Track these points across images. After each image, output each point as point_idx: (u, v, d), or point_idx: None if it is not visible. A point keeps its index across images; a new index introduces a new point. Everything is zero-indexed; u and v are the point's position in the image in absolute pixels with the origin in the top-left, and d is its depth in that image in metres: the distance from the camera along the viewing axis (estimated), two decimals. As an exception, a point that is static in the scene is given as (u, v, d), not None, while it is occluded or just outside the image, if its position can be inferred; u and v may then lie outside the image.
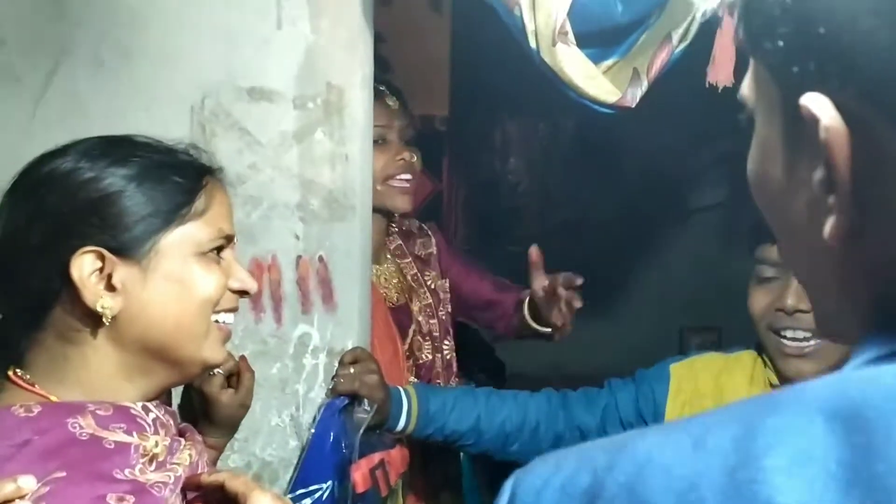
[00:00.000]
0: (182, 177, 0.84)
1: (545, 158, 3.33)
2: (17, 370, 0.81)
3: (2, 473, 0.71)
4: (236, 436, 1.27)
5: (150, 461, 0.79)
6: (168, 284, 0.82)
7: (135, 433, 0.79)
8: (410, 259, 1.71)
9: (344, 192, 1.28)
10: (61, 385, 0.80)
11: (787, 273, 1.21)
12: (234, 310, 0.89)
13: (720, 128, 2.93)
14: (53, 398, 0.79)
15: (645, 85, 1.13)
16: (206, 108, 1.25)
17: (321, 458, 1.21)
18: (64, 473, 0.72)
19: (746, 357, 1.35)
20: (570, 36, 1.07)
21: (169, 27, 1.24)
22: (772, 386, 1.29)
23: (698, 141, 3.09)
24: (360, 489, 1.21)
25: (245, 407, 1.19)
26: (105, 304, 0.78)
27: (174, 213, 0.82)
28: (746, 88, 0.46)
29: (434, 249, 1.76)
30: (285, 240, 1.29)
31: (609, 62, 1.14)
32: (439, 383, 1.69)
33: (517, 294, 1.82)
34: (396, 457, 1.39)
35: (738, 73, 1.21)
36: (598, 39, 1.12)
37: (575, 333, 3.35)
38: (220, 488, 0.83)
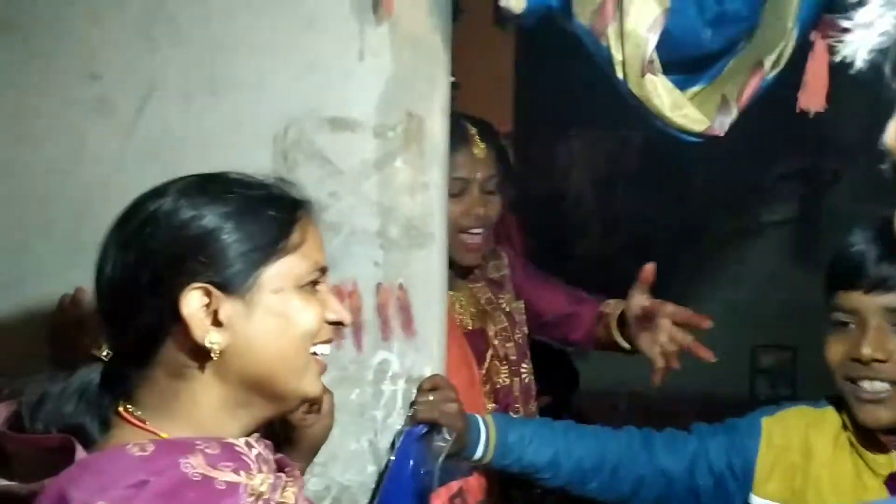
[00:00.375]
0: (277, 210, 0.86)
1: (610, 175, 3.30)
2: (128, 406, 0.83)
3: None
4: (316, 460, 1.29)
5: (257, 499, 0.80)
6: (270, 318, 0.83)
7: (242, 472, 0.80)
8: (484, 283, 1.70)
9: (423, 220, 1.28)
10: (171, 421, 0.82)
11: (862, 320, 1.18)
12: (329, 341, 0.90)
13: (791, 142, 2.87)
14: (164, 435, 0.80)
15: (735, 112, 1.11)
16: (289, 137, 1.27)
17: (400, 486, 1.21)
18: None
19: (831, 414, 1.31)
20: (657, 64, 1.05)
21: (254, 59, 1.27)
22: (850, 445, 1.26)
23: (769, 154, 3.02)
24: None
25: (328, 428, 1.21)
26: (213, 339, 0.80)
27: (272, 247, 0.84)
28: (891, 138, 0.45)
29: (507, 271, 1.75)
30: (365, 267, 1.30)
31: (695, 89, 1.13)
32: (518, 407, 1.68)
33: (595, 305, 1.79)
34: (475, 485, 1.39)
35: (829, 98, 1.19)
36: (683, 66, 1.10)
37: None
38: None
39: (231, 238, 0.82)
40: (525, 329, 1.73)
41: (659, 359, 1.57)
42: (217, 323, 0.81)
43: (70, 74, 1.28)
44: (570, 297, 1.81)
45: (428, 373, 1.32)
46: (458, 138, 1.47)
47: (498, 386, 1.66)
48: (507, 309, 1.72)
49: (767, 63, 1.10)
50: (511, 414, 1.67)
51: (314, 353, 0.88)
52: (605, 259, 3.29)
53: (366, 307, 1.31)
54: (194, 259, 0.81)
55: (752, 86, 1.10)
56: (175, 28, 1.27)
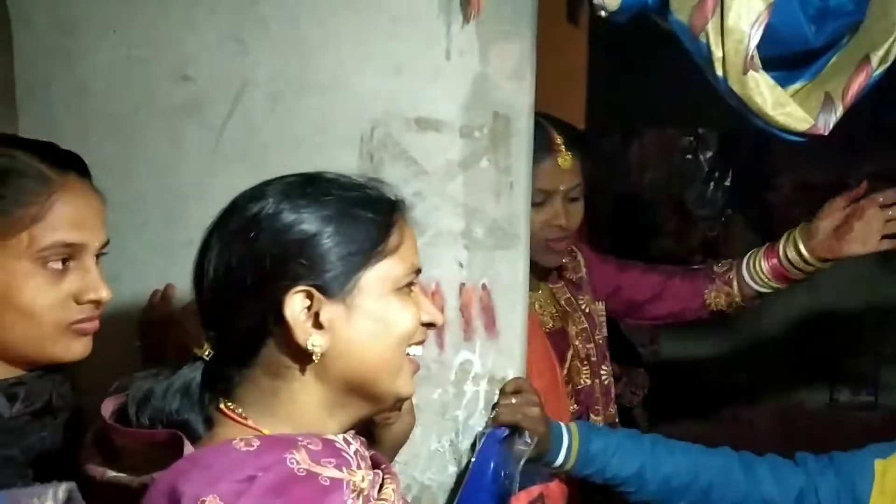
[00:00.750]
0: (375, 213, 0.86)
1: (685, 173, 3.23)
2: (229, 404, 0.84)
3: None
4: (397, 459, 1.29)
5: (359, 496, 0.81)
6: (370, 321, 0.84)
7: (344, 468, 0.81)
8: (563, 284, 1.69)
9: (508, 221, 1.28)
10: (270, 418, 0.83)
11: None
12: (422, 342, 0.90)
13: (884, 138, 2.76)
14: (266, 431, 0.82)
15: (840, 111, 1.07)
16: (375, 137, 1.28)
17: (480, 488, 1.21)
18: None
19: None
20: (757, 60, 1.02)
21: (341, 60, 1.28)
22: None
23: (855, 151, 2.91)
24: None
25: (408, 430, 1.21)
26: (315, 342, 0.81)
27: (372, 250, 0.84)
28: None
29: (584, 273, 1.73)
30: (449, 267, 1.30)
31: (796, 86, 1.09)
32: (598, 409, 1.66)
33: (694, 273, 1.77)
34: (556, 491, 1.38)
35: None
36: (784, 62, 1.06)
37: (718, 351, 3.23)
38: None
39: (331, 241, 0.83)
40: (605, 331, 1.70)
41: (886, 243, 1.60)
42: (318, 325, 0.82)
43: (164, 77, 1.31)
44: (660, 272, 1.77)
45: (510, 374, 1.31)
46: (541, 146, 1.45)
47: (579, 387, 1.64)
48: (587, 310, 1.70)
49: (875, 59, 1.05)
50: (592, 416, 1.65)
51: (408, 354, 0.88)
52: (680, 259, 3.22)
53: (449, 307, 1.31)
54: (296, 262, 0.82)
55: (858, 83, 1.06)
56: (264, 30, 1.29)
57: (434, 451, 1.33)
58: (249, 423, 0.83)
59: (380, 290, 0.84)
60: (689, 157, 3.22)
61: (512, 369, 1.31)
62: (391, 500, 0.85)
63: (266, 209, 0.84)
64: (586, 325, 1.68)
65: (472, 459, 1.22)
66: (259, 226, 0.83)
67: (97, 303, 1.03)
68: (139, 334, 1.34)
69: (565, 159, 1.52)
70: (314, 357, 0.81)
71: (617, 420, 1.74)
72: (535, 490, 1.29)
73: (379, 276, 0.84)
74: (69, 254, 1.00)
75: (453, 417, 1.32)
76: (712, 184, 3.21)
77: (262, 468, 0.75)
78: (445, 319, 1.31)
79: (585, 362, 1.65)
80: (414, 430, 1.29)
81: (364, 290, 0.84)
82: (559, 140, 1.53)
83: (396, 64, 1.26)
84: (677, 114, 3.15)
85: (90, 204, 1.04)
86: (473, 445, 1.28)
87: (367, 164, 1.28)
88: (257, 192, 0.87)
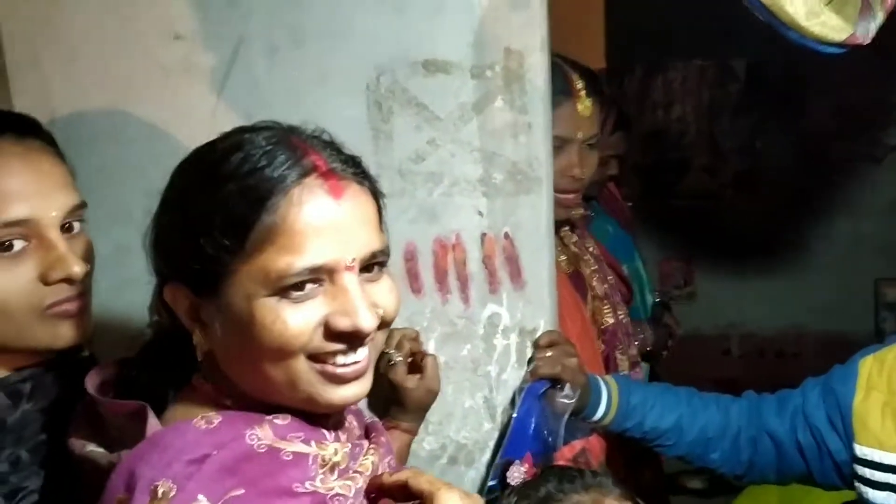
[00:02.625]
0: (247, 208, 0.71)
1: (713, 105, 3.10)
2: (199, 376, 0.80)
3: (183, 493, 0.68)
4: (431, 419, 1.25)
5: (332, 470, 0.76)
6: (239, 328, 0.72)
7: (313, 442, 0.76)
8: (568, 228, 1.62)
9: (529, 163, 1.20)
10: (229, 394, 0.77)
11: None
12: (352, 350, 0.75)
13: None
14: (227, 402, 0.77)
15: (880, 17, 0.97)
16: (382, 85, 1.20)
17: (523, 444, 1.16)
18: (242, 491, 0.69)
19: None
20: (788, -34, 0.93)
21: (338, 5, 1.20)
22: None
23: (891, 69, 2.76)
24: None
25: (433, 392, 1.16)
26: (196, 339, 0.76)
27: (235, 251, 0.71)
28: None
29: (583, 211, 1.65)
30: (469, 217, 1.23)
31: (832, -8, 0.99)
32: (622, 348, 1.62)
33: None
34: (596, 445, 1.33)
35: None
36: (817, -32, 0.97)
37: (756, 288, 3.16)
38: (404, 487, 0.77)
39: (192, 234, 0.73)
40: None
41: None
42: (201, 322, 0.75)
43: (154, 37, 1.25)
44: None
45: (541, 324, 1.25)
46: (559, 89, 1.36)
47: (603, 326, 1.60)
48: (594, 251, 1.66)
49: (920, -43, 0.95)
50: (618, 355, 1.61)
51: (327, 360, 0.74)
52: (711, 194, 3.12)
53: (471, 259, 1.24)
54: (167, 253, 0.77)
55: (902, -16, 0.96)
56: (255, -21, 1.21)
57: (468, 408, 1.28)
58: (221, 398, 0.77)
59: (244, 294, 0.71)
60: (716, 89, 3.09)
61: (542, 319, 1.25)
62: (366, 473, 0.79)
63: (166, 188, 0.79)
64: (597, 266, 1.63)
65: (513, 415, 1.17)
66: (162, 205, 0.79)
67: (68, 280, 0.89)
68: (154, 310, 1.30)
69: (585, 106, 1.42)
70: (198, 354, 0.76)
71: (639, 360, 1.70)
72: (577, 444, 1.24)
73: (244, 278, 0.71)
74: (20, 233, 0.87)
75: (485, 373, 1.27)
76: (742, 115, 3.08)
77: (217, 445, 0.71)
78: (469, 272, 1.25)
79: (605, 301, 1.61)
80: (446, 389, 1.25)
81: (231, 294, 0.72)
82: (579, 84, 1.43)
83: (395, 4, 1.18)
84: (702, 45, 3.02)
85: (35, 167, 0.89)
86: (512, 401, 1.23)
87: (375, 114, 1.21)
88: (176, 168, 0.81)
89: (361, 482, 0.78)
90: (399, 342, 1.15)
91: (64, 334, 0.91)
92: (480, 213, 1.23)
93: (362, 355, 0.75)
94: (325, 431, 0.78)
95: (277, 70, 1.23)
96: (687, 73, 3.09)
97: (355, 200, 0.74)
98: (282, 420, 0.76)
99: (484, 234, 1.23)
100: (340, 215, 0.73)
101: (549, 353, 1.21)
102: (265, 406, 0.76)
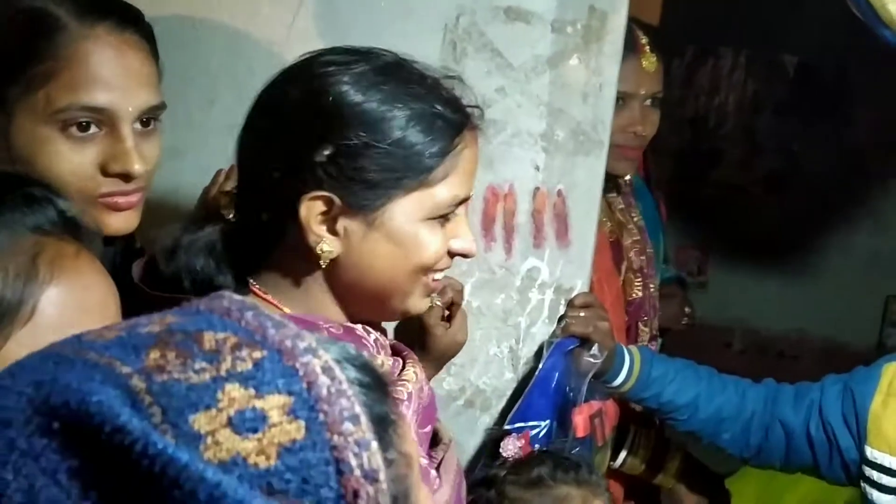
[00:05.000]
0: (435, 140, 0.78)
1: (757, 100, 3.09)
2: (255, 284, 0.82)
3: None
4: (455, 361, 1.27)
5: None
6: (388, 244, 0.78)
7: (364, 352, 0.79)
8: (617, 194, 1.63)
9: (593, 125, 1.21)
10: (289, 301, 0.81)
11: None
12: (447, 269, 0.86)
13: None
14: (287, 310, 0.80)
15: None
16: (461, 25, 1.21)
17: (544, 395, 1.19)
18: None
19: None
20: (895, -33, 0.93)
21: (430, -61, 1.20)
22: None
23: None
24: (580, 434, 1.18)
25: (458, 343, 1.18)
26: (324, 248, 0.78)
27: (414, 178, 0.77)
28: None
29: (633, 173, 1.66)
30: (525, 169, 1.24)
31: (930, 0, 0.99)
32: (647, 320, 1.64)
33: None
34: (611, 410, 1.36)
35: None
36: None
37: (767, 287, 3.17)
38: None
39: (373, 156, 0.76)
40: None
41: None
42: (333, 231, 0.78)
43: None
44: None
45: (578, 285, 1.27)
46: (624, 44, 1.36)
47: (630, 298, 1.61)
48: (640, 223, 1.66)
49: None
50: (641, 327, 1.63)
51: (426, 280, 0.83)
52: (739, 189, 3.12)
53: (520, 211, 1.26)
54: (328, 164, 0.76)
55: None
56: None
57: (492, 356, 1.31)
58: (271, 300, 0.81)
59: (408, 217, 0.78)
60: (763, 83, 3.07)
61: (580, 280, 1.27)
62: (413, 380, 0.83)
63: (318, 91, 0.77)
64: (639, 237, 1.64)
65: (540, 366, 1.20)
66: (301, 110, 0.77)
67: (126, 176, 0.90)
68: (198, 213, 1.32)
69: (650, 61, 1.42)
70: (322, 262, 0.78)
71: (657, 334, 1.73)
72: (595, 405, 1.27)
73: (413, 204, 0.78)
74: (95, 118, 0.87)
75: (515, 324, 1.29)
76: (784, 114, 3.07)
77: None
78: (516, 223, 1.26)
79: (638, 274, 1.61)
80: (473, 334, 1.27)
81: (390, 214, 0.78)
82: (644, 40, 1.42)
83: (490, -54, 1.18)
84: (755, 37, 2.99)
85: (126, 61, 0.89)
86: (539, 355, 1.25)
87: (448, 53, 1.22)
88: (314, 67, 0.79)
89: (411, 388, 0.83)
90: (444, 289, 1.17)
91: (113, 223, 0.92)
92: (537, 168, 1.24)
93: None
94: (369, 344, 0.82)
95: (359, -5, 1.23)
96: (735, 62, 3.06)
97: None
98: (336, 330, 0.80)
99: (537, 189, 1.25)
100: None
101: (582, 314, 1.23)
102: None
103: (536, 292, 1.28)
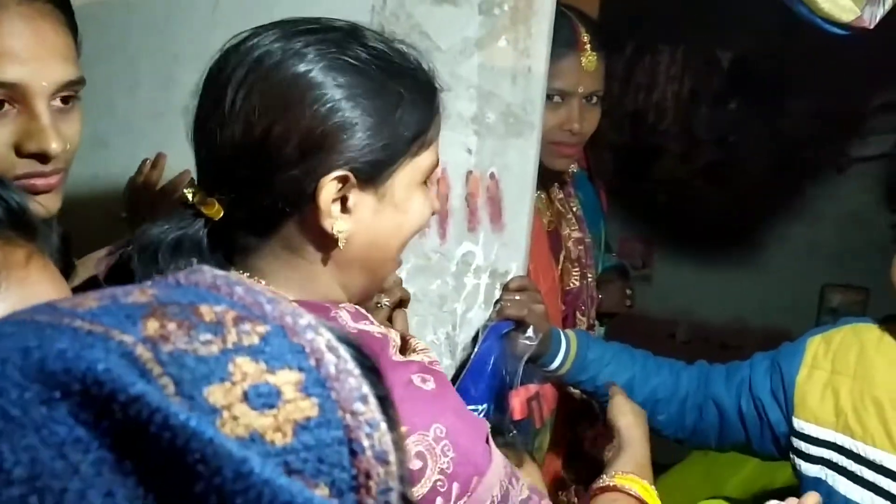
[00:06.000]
0: (423, 97, 0.81)
1: (694, 94, 3.14)
2: (244, 273, 0.80)
3: None
4: (391, 349, 1.26)
5: (396, 351, 0.80)
6: (396, 212, 0.80)
7: (381, 326, 0.81)
8: (556, 184, 1.63)
9: (524, 107, 1.21)
10: (287, 290, 0.80)
11: None
12: None
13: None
14: (290, 297, 0.78)
15: (888, 4, 0.99)
16: (388, 7, 1.19)
17: (480, 380, 1.18)
18: None
19: (893, 331, 1.21)
20: (808, -58, 0.94)
21: (355, -81, 1.18)
22: None
23: (874, 81, 2.83)
24: (517, 416, 1.18)
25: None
26: (340, 227, 0.77)
27: (415, 140, 0.79)
28: None
29: (575, 169, 1.67)
30: (457, 153, 1.23)
31: (844, -25, 1.01)
32: (584, 309, 1.65)
33: None
34: (549, 393, 1.36)
35: None
36: (835, -52, 0.99)
37: (710, 279, 3.22)
38: None
39: (377, 125, 0.77)
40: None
41: None
42: (345, 210, 0.78)
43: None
44: None
45: (513, 269, 1.27)
46: (565, 40, 1.36)
47: (568, 288, 1.61)
48: (578, 212, 1.66)
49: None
50: (578, 315, 1.64)
51: None
52: (681, 183, 3.17)
53: (454, 195, 1.25)
54: (340, 141, 0.75)
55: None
56: None
57: (429, 342, 1.29)
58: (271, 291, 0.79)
59: (409, 182, 0.80)
60: (699, 78, 3.12)
61: (515, 264, 1.27)
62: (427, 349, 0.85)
63: (310, 77, 0.75)
64: (577, 227, 1.65)
65: (475, 350, 1.19)
66: (301, 97, 0.74)
67: (43, 156, 0.85)
68: (126, 204, 1.28)
69: (590, 60, 1.42)
70: (340, 243, 0.78)
71: (595, 323, 1.74)
72: (532, 388, 1.27)
73: (411, 170, 0.80)
74: (6, 95, 0.83)
75: (451, 310, 1.28)
76: (720, 107, 3.13)
77: None
78: (450, 208, 1.26)
79: (576, 264, 1.62)
80: (410, 321, 1.25)
81: (397, 180, 0.79)
82: (585, 38, 1.42)
83: (415, -73, 1.17)
84: (691, 33, 3.04)
85: (39, 32, 0.84)
86: (475, 340, 1.24)
87: (377, 36, 1.20)
88: (290, 43, 0.77)
89: (433, 355, 0.85)
90: (392, 290, 1.16)
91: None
92: (469, 151, 1.23)
93: None
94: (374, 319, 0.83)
95: (283, -24, 1.21)
96: (672, 58, 3.11)
97: None
98: (350, 307, 0.81)
99: (470, 172, 1.24)
100: None
101: (517, 297, 1.23)
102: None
103: (472, 277, 1.27)
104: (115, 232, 1.22)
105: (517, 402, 1.18)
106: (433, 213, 0.87)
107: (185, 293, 0.38)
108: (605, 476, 1.04)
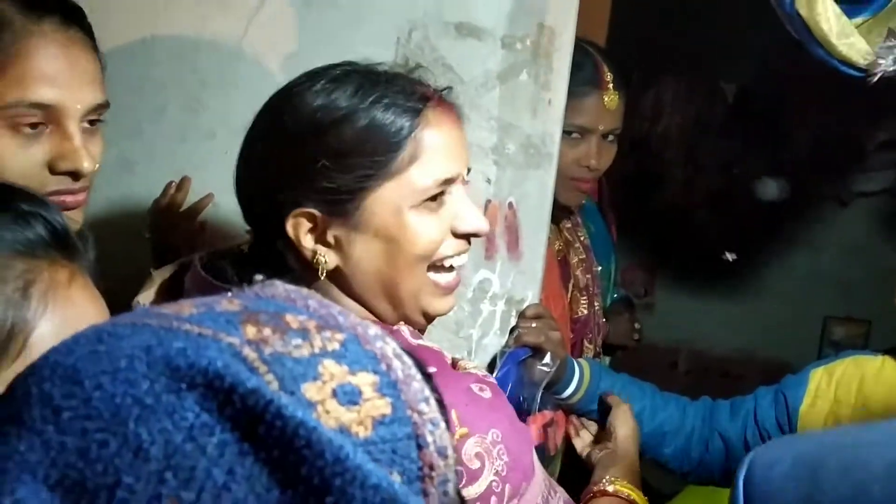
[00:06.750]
0: (390, 121, 0.78)
1: (699, 124, 3.18)
2: None
3: None
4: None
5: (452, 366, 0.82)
6: (378, 241, 0.79)
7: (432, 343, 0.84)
8: (563, 213, 1.66)
9: (542, 139, 1.23)
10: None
11: None
12: (463, 252, 0.87)
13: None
14: None
15: (902, 48, 1.03)
16: (413, 40, 1.22)
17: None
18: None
19: (891, 364, 1.23)
20: (826, -13, 0.98)
21: (383, -45, 1.21)
22: None
23: (878, 118, 2.87)
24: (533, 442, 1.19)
25: None
26: (321, 259, 0.78)
27: (380, 170, 0.78)
28: None
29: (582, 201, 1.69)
30: (476, 182, 1.25)
31: (859, 20, 1.04)
32: (591, 337, 1.67)
33: None
34: (561, 420, 1.37)
35: None
36: (850, -6, 1.02)
37: (711, 308, 3.24)
38: None
39: (332, 162, 0.77)
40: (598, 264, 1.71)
41: None
42: (326, 243, 0.79)
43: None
44: None
45: (529, 297, 1.29)
46: (588, 78, 1.39)
47: (576, 316, 1.63)
48: (586, 242, 1.69)
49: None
50: (586, 343, 1.66)
51: (439, 270, 0.86)
52: (683, 211, 3.19)
53: (472, 224, 1.27)
54: (297, 179, 0.78)
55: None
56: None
57: (444, 368, 1.31)
58: None
59: (391, 210, 0.79)
60: (704, 109, 3.16)
61: (531, 292, 1.29)
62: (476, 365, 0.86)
63: (286, 112, 0.79)
64: (585, 256, 1.67)
65: (493, 377, 1.20)
66: (277, 132, 0.79)
67: (75, 174, 0.90)
68: (149, 225, 1.30)
69: (612, 98, 1.44)
70: (320, 273, 0.78)
71: (600, 352, 1.76)
72: (548, 415, 1.28)
73: (391, 195, 0.79)
74: (43, 116, 0.87)
75: (467, 336, 1.30)
76: (724, 138, 3.17)
77: None
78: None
79: (584, 292, 1.65)
80: (425, 346, 1.28)
81: (371, 211, 0.78)
82: (608, 77, 1.44)
83: (441, -37, 1.20)
84: (697, 64, 3.09)
85: (72, 58, 0.88)
86: (489, 366, 1.26)
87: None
88: (286, 92, 0.81)
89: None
90: None
91: None
92: (489, 181, 1.26)
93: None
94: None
95: (311, 11, 1.24)
96: (678, 89, 3.16)
97: None
98: (409, 327, 0.84)
99: (489, 201, 1.26)
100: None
101: (534, 324, 1.25)
102: None
103: (488, 304, 1.29)
104: (139, 251, 1.25)
105: (534, 427, 1.19)
106: (475, 235, 0.86)
107: (268, 304, 0.43)
108: (603, 481, 1.06)
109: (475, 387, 0.78)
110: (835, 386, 1.26)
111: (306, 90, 0.80)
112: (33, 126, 0.86)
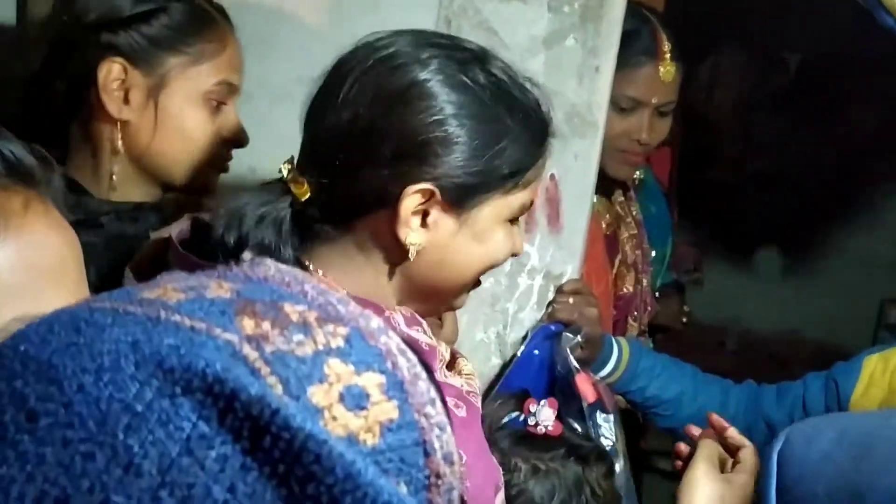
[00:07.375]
0: (533, 137, 0.80)
1: (755, 97, 3.06)
2: (309, 263, 0.80)
3: None
4: (441, 345, 1.26)
5: (447, 367, 0.81)
6: (473, 242, 0.80)
7: (431, 337, 0.81)
8: (617, 187, 1.60)
9: (589, 107, 1.19)
10: (346, 282, 0.79)
11: None
12: None
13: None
14: (344, 291, 0.78)
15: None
16: (455, 2, 1.18)
17: (525, 378, 1.17)
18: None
19: None
20: (901, -50, 0.91)
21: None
22: None
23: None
24: (590, 399, 1.14)
25: (449, 343, 1.17)
26: (413, 239, 0.77)
27: (511, 178, 0.79)
28: None
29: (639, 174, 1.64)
30: (517, 152, 1.22)
31: (934, -14, 0.97)
32: (636, 315, 1.62)
33: None
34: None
35: None
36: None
37: (763, 289, 3.15)
38: None
39: (479, 151, 0.76)
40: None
41: None
42: (424, 223, 0.78)
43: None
44: None
45: (568, 272, 1.25)
46: (644, 48, 1.33)
47: (621, 292, 1.59)
48: (638, 216, 1.63)
49: None
50: (630, 321, 1.62)
51: None
52: (734, 186, 3.10)
53: (512, 195, 1.23)
54: (436, 156, 0.75)
55: None
56: None
57: (479, 341, 1.28)
58: (332, 282, 0.79)
59: (493, 218, 0.80)
60: (763, 80, 3.04)
61: (570, 266, 1.25)
62: (474, 374, 0.85)
63: (428, 81, 0.76)
64: (636, 231, 1.62)
65: (521, 349, 1.18)
66: (412, 99, 0.75)
67: (239, 145, 1.07)
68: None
69: (668, 70, 1.37)
70: (410, 255, 0.77)
71: (646, 330, 1.72)
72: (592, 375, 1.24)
73: (504, 204, 0.80)
74: (227, 96, 1.04)
75: (503, 309, 1.27)
76: (783, 112, 3.05)
77: None
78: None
79: (631, 269, 1.60)
80: (460, 318, 1.24)
81: (483, 212, 0.79)
82: (666, 47, 1.37)
83: (488, -79, 1.15)
84: (758, 34, 2.97)
85: (239, 49, 1.07)
86: (523, 339, 1.23)
87: (442, 29, 1.19)
88: (418, 51, 0.78)
89: (477, 383, 0.86)
90: None
91: (212, 181, 1.09)
92: (530, 150, 1.22)
93: None
94: (428, 329, 0.84)
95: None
96: (736, 59, 3.04)
97: None
98: (406, 311, 0.81)
99: (529, 172, 1.22)
100: None
101: (571, 300, 1.21)
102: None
103: (526, 277, 1.26)
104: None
105: (587, 385, 1.14)
106: (514, 255, 0.87)
107: (262, 290, 0.39)
108: None
109: (451, 401, 0.76)
110: (890, 374, 1.20)
111: (458, 69, 0.78)
112: (218, 104, 1.04)
